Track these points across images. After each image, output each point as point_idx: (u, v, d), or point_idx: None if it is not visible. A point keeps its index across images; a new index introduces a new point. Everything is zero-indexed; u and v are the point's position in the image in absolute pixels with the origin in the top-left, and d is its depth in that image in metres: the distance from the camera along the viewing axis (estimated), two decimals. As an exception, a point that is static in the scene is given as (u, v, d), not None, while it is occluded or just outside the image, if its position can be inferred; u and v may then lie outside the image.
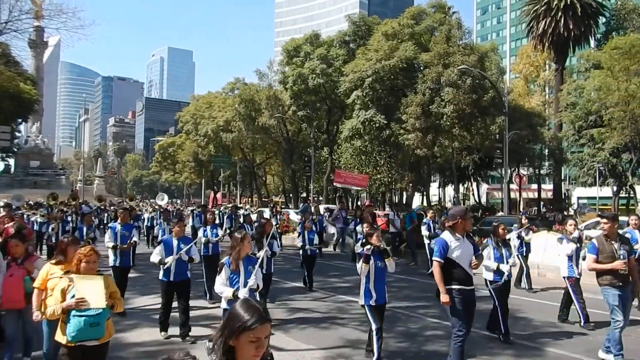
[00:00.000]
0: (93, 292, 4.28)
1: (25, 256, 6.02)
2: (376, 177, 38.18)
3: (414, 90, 29.21)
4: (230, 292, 5.39)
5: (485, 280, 7.74)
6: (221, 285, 5.49)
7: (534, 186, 49.87)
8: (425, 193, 43.59)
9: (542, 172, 46.23)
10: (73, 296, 4.23)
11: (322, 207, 26.45)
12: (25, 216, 16.33)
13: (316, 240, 12.04)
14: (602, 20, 42.85)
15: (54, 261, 5.44)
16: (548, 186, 49.34)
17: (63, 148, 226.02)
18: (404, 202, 39.79)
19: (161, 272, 7.49)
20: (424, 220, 14.84)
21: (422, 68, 30.50)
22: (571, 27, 39.44)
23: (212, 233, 10.76)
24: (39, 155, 66.30)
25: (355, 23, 37.58)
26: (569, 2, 39.44)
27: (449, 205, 46.48)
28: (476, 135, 29.53)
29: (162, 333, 7.59)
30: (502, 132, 27.12)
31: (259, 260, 5.83)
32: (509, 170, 29.82)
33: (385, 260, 6.25)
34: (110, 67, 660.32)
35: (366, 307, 6.24)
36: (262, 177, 63.21)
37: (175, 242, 7.56)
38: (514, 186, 41.52)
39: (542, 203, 47.30)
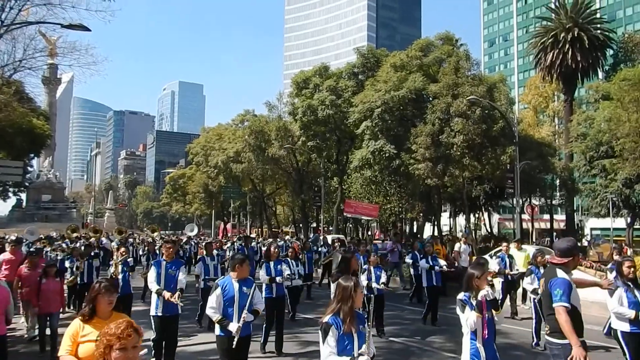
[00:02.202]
0: None
1: None
2: (386, 207, 38.03)
3: (424, 120, 29.30)
4: None
5: (615, 331, 6.09)
6: (331, 354, 3.99)
7: (546, 216, 49.36)
8: (436, 223, 43.31)
9: (554, 202, 45.83)
10: None
11: (329, 237, 26.01)
12: (44, 252, 14.88)
13: (383, 278, 9.94)
14: (609, 52, 43.15)
15: (81, 317, 3.87)
16: (560, 217, 48.80)
17: (75, 181, 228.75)
18: (415, 231, 39.49)
19: (218, 327, 5.90)
20: (499, 255, 12.68)
21: (431, 99, 30.66)
22: (579, 59, 39.78)
23: (277, 270, 9.01)
24: (50, 189, 67.16)
25: (364, 55, 37.94)
26: (576, 35, 39.88)
27: (459, 235, 46.02)
28: (487, 165, 29.45)
29: None
30: (513, 162, 27.03)
31: (371, 316, 4.40)
32: (520, 201, 29.55)
33: (494, 311, 4.90)
34: (122, 102, 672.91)
35: None
36: (272, 208, 63.18)
37: (236, 286, 5.89)
38: (526, 216, 41.09)
39: (554, 234, 46.71)
